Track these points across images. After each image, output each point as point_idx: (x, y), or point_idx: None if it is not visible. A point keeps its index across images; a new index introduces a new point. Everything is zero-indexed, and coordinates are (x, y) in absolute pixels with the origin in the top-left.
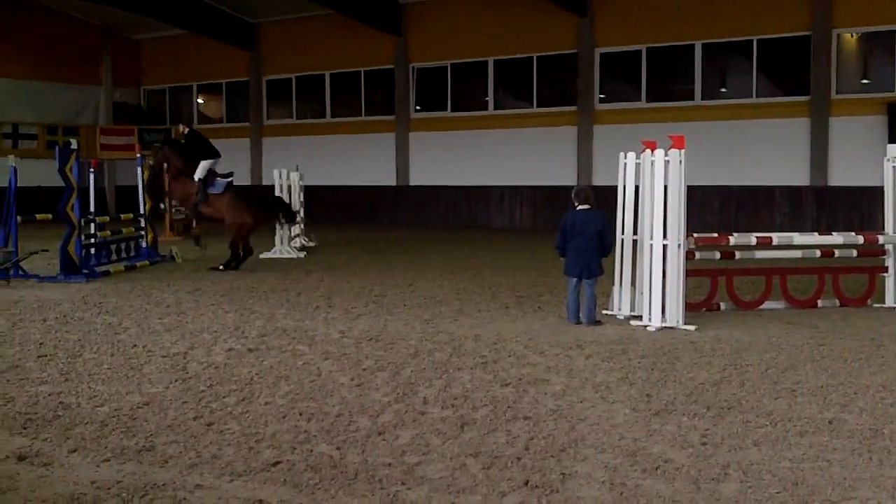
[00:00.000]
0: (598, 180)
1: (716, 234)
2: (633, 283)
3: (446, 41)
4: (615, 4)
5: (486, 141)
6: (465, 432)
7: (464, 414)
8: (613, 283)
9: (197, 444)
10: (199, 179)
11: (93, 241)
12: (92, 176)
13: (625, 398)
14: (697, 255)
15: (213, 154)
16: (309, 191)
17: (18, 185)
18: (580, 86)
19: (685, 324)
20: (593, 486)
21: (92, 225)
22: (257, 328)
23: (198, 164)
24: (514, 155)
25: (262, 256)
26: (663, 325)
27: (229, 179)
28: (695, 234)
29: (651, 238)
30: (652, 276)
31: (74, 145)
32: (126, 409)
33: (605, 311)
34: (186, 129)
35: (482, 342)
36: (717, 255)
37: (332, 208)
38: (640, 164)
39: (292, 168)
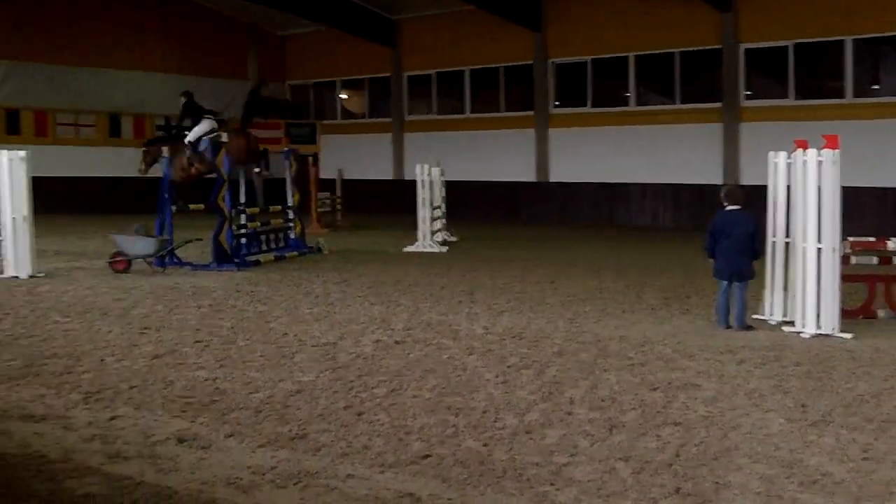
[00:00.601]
0: (745, 179)
1: (873, 238)
2: (785, 288)
3: (586, 36)
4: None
5: (627, 137)
6: (613, 435)
7: (612, 416)
8: (765, 288)
9: (348, 433)
10: (189, 142)
11: (243, 231)
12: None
13: (779, 407)
14: (853, 259)
15: (204, 118)
16: (450, 186)
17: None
18: (725, 82)
19: (841, 331)
20: (748, 497)
21: (242, 216)
22: (403, 321)
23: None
24: (657, 152)
25: (405, 250)
26: (818, 332)
27: (214, 135)
28: (850, 238)
29: (804, 241)
30: (806, 281)
31: (224, 138)
32: (279, 397)
33: (755, 316)
34: (184, 98)
35: (628, 343)
36: (875, 259)
37: (472, 204)
38: (791, 163)
39: (434, 163)
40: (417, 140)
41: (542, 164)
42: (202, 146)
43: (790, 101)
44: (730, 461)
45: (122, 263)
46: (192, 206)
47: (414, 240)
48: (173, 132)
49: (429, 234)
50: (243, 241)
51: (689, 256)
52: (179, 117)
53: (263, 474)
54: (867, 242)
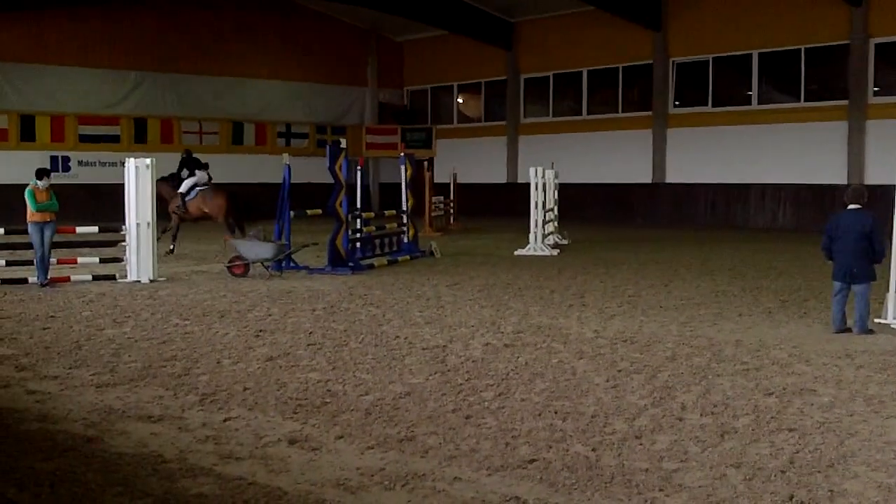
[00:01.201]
0: (872, 179)
1: None
2: None
3: (707, 34)
4: None
5: (747, 137)
6: (725, 441)
7: (724, 422)
8: (888, 290)
9: (455, 436)
10: (180, 193)
11: (359, 235)
12: (359, 173)
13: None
14: None
15: (197, 171)
16: (563, 188)
17: (291, 181)
18: (852, 78)
19: None
20: None
21: (358, 220)
22: (512, 324)
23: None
24: (778, 151)
25: (516, 253)
26: None
27: (201, 188)
28: None
29: None
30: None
31: (343, 144)
32: (389, 399)
33: (877, 320)
34: (184, 154)
35: (743, 348)
36: None
37: (586, 206)
38: None
39: (548, 166)
40: (532, 142)
41: (659, 164)
42: (192, 195)
43: None
44: (846, 469)
45: (240, 268)
46: (309, 212)
47: (525, 243)
48: (174, 180)
49: (540, 237)
50: (358, 245)
51: (807, 258)
52: (178, 168)
53: (372, 476)
54: None
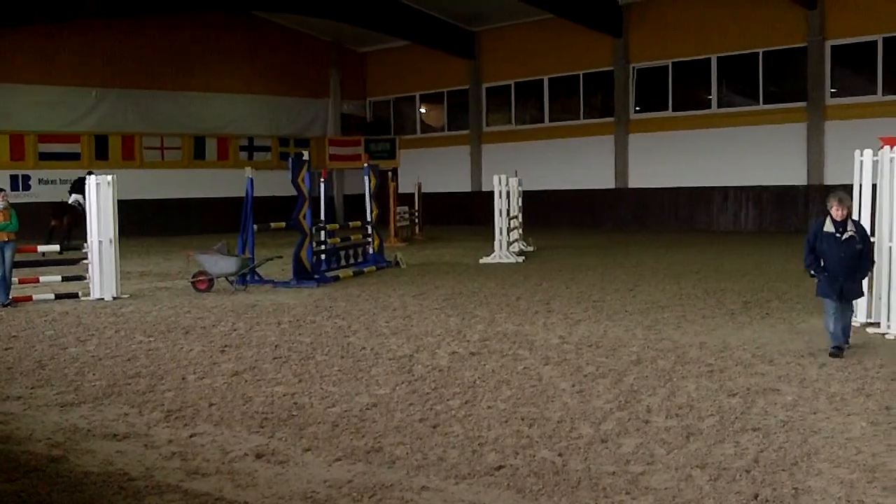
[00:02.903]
0: (830, 179)
1: None
2: (870, 289)
3: (667, 39)
4: None
5: (708, 140)
6: (690, 443)
7: (689, 424)
8: None
9: (423, 445)
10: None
11: (323, 247)
12: (322, 185)
13: (861, 410)
14: None
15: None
16: (527, 195)
17: (254, 195)
18: (810, 80)
19: None
20: (828, 502)
21: (322, 232)
22: (479, 332)
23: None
24: (739, 154)
25: (481, 261)
26: None
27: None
28: None
29: (890, 240)
30: (891, 281)
31: (306, 156)
32: (356, 410)
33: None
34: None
35: (707, 350)
36: None
37: (550, 212)
38: (877, 161)
39: (511, 174)
40: (495, 151)
41: (622, 170)
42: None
43: (878, 98)
44: (810, 466)
45: (204, 283)
46: (273, 225)
47: (491, 251)
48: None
49: (505, 245)
50: (323, 257)
51: (771, 259)
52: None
53: (339, 488)
54: None
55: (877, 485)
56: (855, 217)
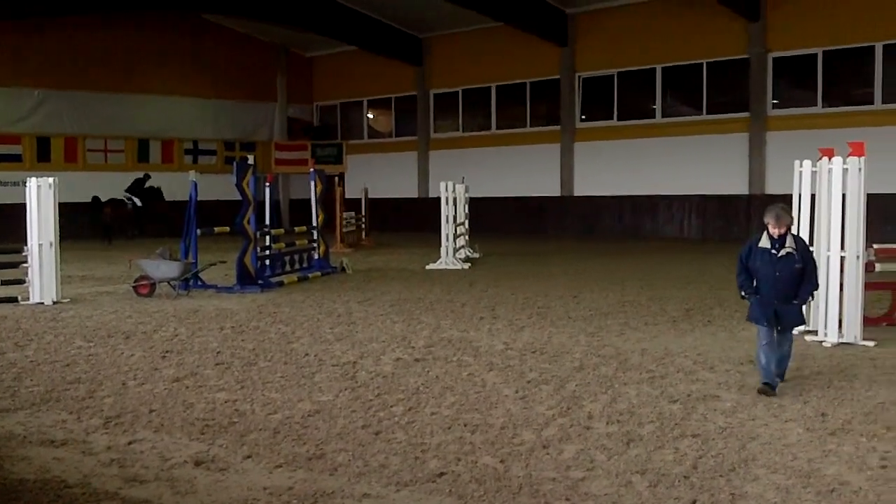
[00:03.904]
0: (771, 189)
1: None
2: None
3: (613, 49)
4: (788, 7)
5: (653, 150)
6: (631, 449)
7: (630, 430)
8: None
9: (365, 452)
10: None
11: (268, 252)
12: (267, 190)
13: (798, 417)
14: (878, 266)
15: None
16: (474, 202)
17: (198, 199)
18: (752, 91)
19: (864, 339)
20: None
21: (267, 237)
22: (424, 338)
23: None
24: (683, 163)
25: (427, 268)
26: (840, 340)
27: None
28: (875, 245)
29: (828, 249)
30: (828, 289)
31: (251, 160)
32: (298, 417)
33: None
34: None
35: (649, 356)
36: None
37: (497, 219)
38: (816, 172)
39: (458, 180)
40: (443, 157)
41: (567, 177)
42: None
43: (818, 109)
44: (747, 472)
45: (146, 287)
46: (217, 229)
47: (437, 257)
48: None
49: (452, 251)
50: (267, 262)
51: (713, 267)
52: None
53: (280, 495)
54: (892, 249)
55: (811, 490)
56: (795, 231)
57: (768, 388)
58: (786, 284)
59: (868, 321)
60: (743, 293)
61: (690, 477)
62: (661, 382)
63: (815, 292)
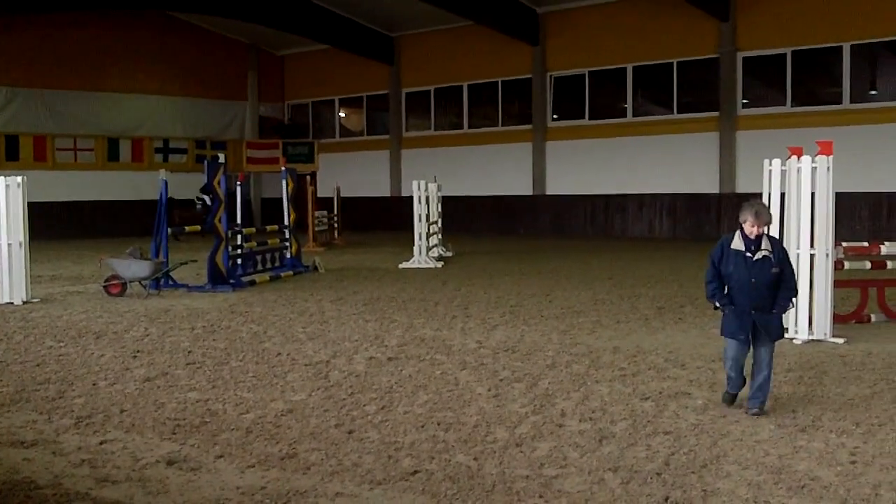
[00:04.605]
0: (742, 188)
1: (866, 243)
2: None
3: (584, 49)
4: (758, 7)
5: (624, 149)
6: (603, 446)
7: (602, 427)
8: None
9: (338, 451)
10: None
11: (239, 251)
12: (239, 189)
13: (769, 413)
14: (846, 264)
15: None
16: (446, 201)
17: (169, 197)
18: (722, 91)
19: (833, 336)
20: (736, 503)
21: (238, 236)
22: (397, 337)
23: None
24: (654, 162)
25: (400, 266)
26: (810, 337)
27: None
28: (844, 243)
29: (798, 247)
30: (798, 287)
31: (222, 159)
32: (270, 417)
33: None
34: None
35: (621, 354)
36: (868, 264)
37: (469, 218)
38: (785, 171)
39: (430, 179)
40: (415, 156)
41: (539, 177)
42: None
43: (787, 109)
44: (719, 468)
45: (116, 287)
46: (188, 228)
47: (410, 256)
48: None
49: (425, 250)
50: (239, 261)
51: (683, 265)
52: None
53: (252, 495)
54: (860, 247)
55: (782, 486)
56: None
57: (730, 399)
58: (762, 291)
59: (837, 318)
60: (716, 303)
61: (663, 474)
62: (633, 380)
63: (794, 299)
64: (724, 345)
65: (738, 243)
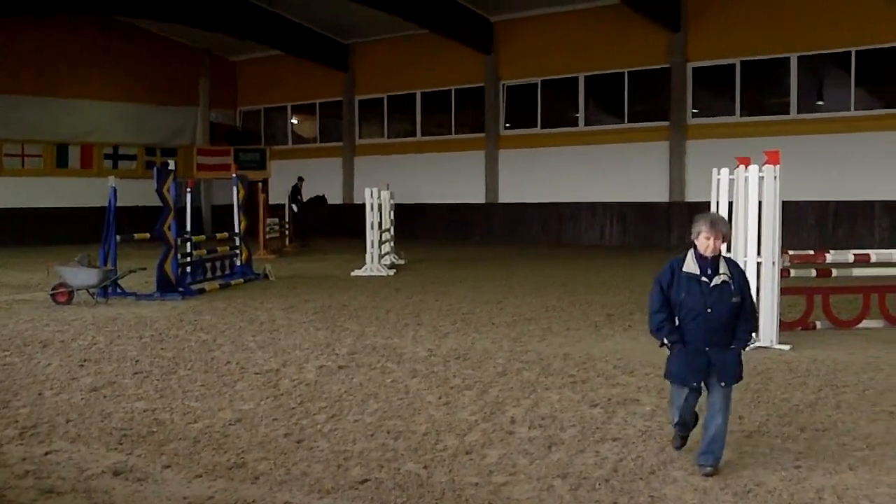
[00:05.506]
0: (691, 196)
1: (812, 251)
2: None
3: (537, 58)
4: (708, 18)
5: (576, 157)
6: (552, 453)
7: (552, 434)
8: None
9: (287, 461)
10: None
11: (189, 259)
12: (189, 196)
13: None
14: (793, 272)
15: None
16: (399, 209)
17: (118, 204)
18: (672, 101)
19: (779, 343)
20: None
21: (188, 244)
22: (347, 346)
23: None
24: (605, 171)
25: (352, 274)
26: (756, 344)
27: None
28: (790, 251)
29: (745, 255)
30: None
31: (172, 166)
32: (218, 426)
33: None
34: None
35: (571, 361)
36: (813, 272)
37: (422, 226)
38: (733, 180)
39: (383, 186)
40: (368, 163)
41: (492, 185)
42: None
43: (736, 118)
44: (666, 474)
45: (64, 295)
46: (137, 236)
47: (362, 263)
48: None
49: (377, 258)
50: (188, 269)
51: (634, 273)
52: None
53: None
54: (806, 255)
55: (728, 491)
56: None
57: (680, 442)
58: (719, 323)
59: (784, 325)
60: (664, 340)
61: (611, 480)
62: (583, 387)
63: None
64: (669, 389)
65: (691, 266)
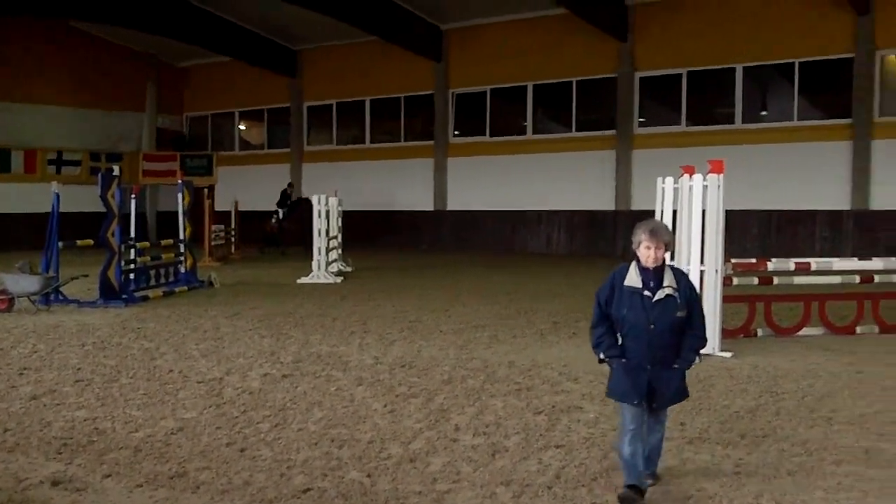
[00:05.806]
0: (637, 205)
1: (754, 260)
2: None
3: (486, 66)
4: (655, 28)
5: (524, 165)
6: (496, 460)
7: (495, 441)
8: None
9: (229, 470)
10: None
11: (132, 266)
12: (133, 202)
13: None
14: (735, 280)
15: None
16: (348, 216)
17: (61, 210)
18: (619, 110)
19: (721, 350)
20: None
21: (132, 251)
22: (292, 354)
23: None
24: (553, 179)
25: (299, 282)
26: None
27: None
28: (733, 260)
29: (688, 264)
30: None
31: (116, 171)
32: (160, 435)
33: None
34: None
35: (516, 368)
36: (755, 280)
37: (371, 233)
38: (678, 188)
39: (331, 193)
40: (316, 170)
41: (441, 192)
42: None
43: (681, 128)
44: (608, 481)
45: (4, 302)
46: (80, 242)
47: (309, 271)
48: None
49: (324, 265)
50: (132, 276)
51: (579, 281)
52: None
53: None
54: (749, 264)
55: (669, 498)
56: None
57: (634, 496)
58: (663, 339)
59: (726, 333)
60: (602, 355)
61: (553, 487)
62: (528, 394)
63: (701, 351)
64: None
65: (633, 279)
